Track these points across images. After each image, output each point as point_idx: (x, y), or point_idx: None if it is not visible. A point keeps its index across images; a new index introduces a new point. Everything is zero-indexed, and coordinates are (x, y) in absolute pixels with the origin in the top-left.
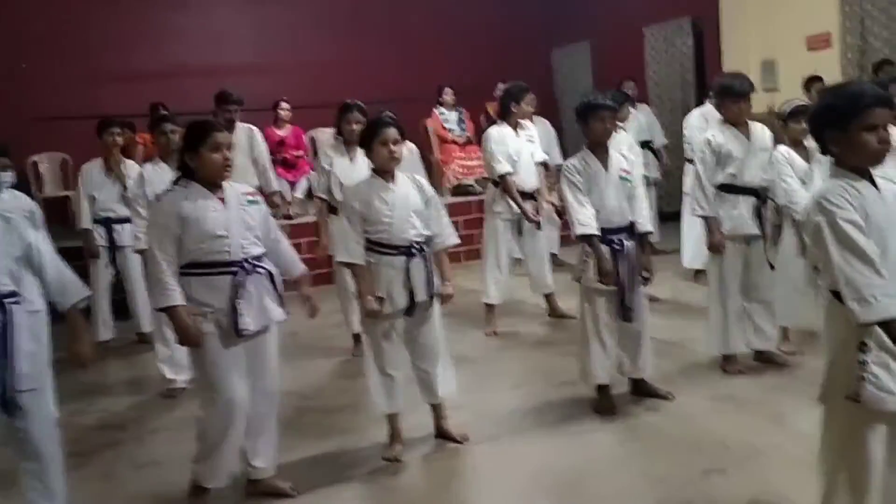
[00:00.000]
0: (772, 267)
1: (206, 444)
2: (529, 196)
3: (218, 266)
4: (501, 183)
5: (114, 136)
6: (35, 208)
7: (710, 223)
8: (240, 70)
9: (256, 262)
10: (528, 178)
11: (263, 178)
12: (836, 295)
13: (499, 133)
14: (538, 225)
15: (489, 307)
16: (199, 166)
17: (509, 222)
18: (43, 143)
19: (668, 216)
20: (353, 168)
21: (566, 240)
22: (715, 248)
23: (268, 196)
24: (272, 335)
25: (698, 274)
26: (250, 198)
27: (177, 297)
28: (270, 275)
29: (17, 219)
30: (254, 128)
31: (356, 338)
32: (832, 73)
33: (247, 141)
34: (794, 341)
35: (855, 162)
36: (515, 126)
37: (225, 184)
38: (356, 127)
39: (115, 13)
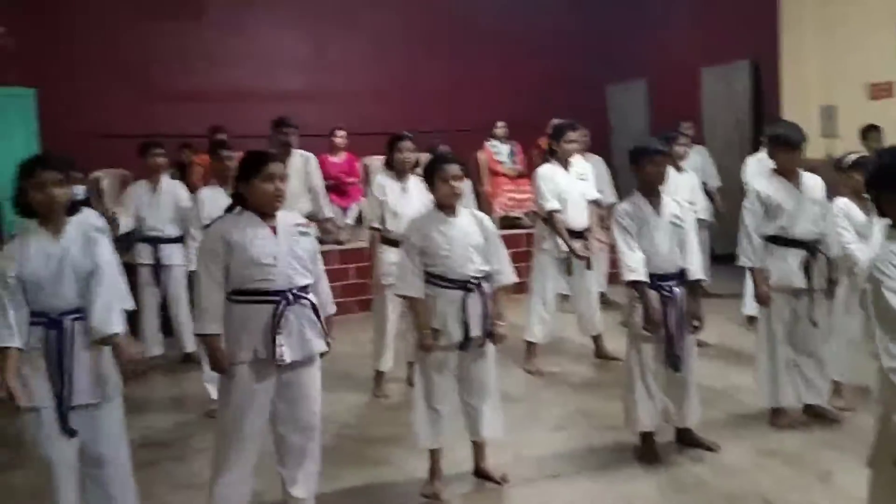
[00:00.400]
0: (814, 324)
1: (214, 470)
2: (579, 234)
3: (262, 294)
4: (550, 220)
5: (156, 157)
6: (103, 224)
7: (756, 274)
8: (296, 96)
9: (301, 293)
10: (578, 216)
11: (317, 204)
12: None
13: (549, 171)
14: (588, 263)
15: (530, 345)
16: (252, 195)
17: (557, 260)
18: (105, 160)
19: (722, 258)
20: (406, 197)
21: (614, 277)
22: (761, 300)
23: (321, 222)
24: (314, 367)
25: (752, 320)
26: (302, 228)
27: (215, 327)
28: (314, 306)
29: (95, 236)
30: (310, 155)
31: (379, 376)
32: (894, 123)
33: (303, 167)
34: (847, 397)
35: None
36: (566, 163)
37: (279, 213)
38: (408, 156)
39: (176, 35)
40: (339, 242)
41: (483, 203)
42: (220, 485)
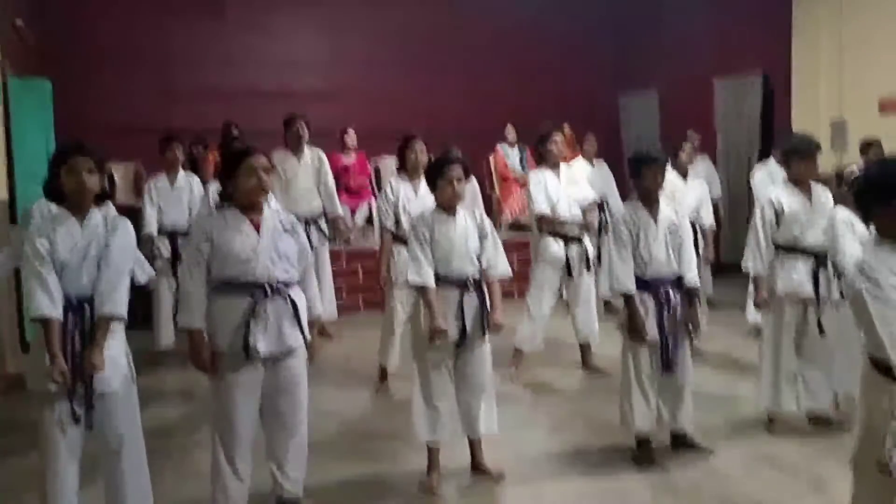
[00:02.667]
0: (821, 332)
1: (212, 464)
2: (572, 238)
3: (241, 286)
4: (540, 222)
5: (174, 151)
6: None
7: (759, 281)
8: (311, 95)
9: (281, 287)
10: (569, 219)
11: (329, 201)
12: (875, 364)
13: (538, 176)
14: (588, 264)
15: (518, 352)
16: (236, 190)
17: (555, 266)
18: (117, 153)
19: (729, 268)
20: (417, 198)
21: None
22: (759, 306)
23: (332, 220)
24: (295, 361)
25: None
26: (288, 226)
27: (197, 321)
28: (294, 302)
29: (117, 224)
30: (323, 153)
31: (383, 372)
32: None
33: (315, 163)
34: (845, 409)
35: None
36: (554, 168)
37: (267, 210)
38: (420, 156)
39: (192, 32)
40: (348, 242)
41: (493, 208)
42: (219, 475)
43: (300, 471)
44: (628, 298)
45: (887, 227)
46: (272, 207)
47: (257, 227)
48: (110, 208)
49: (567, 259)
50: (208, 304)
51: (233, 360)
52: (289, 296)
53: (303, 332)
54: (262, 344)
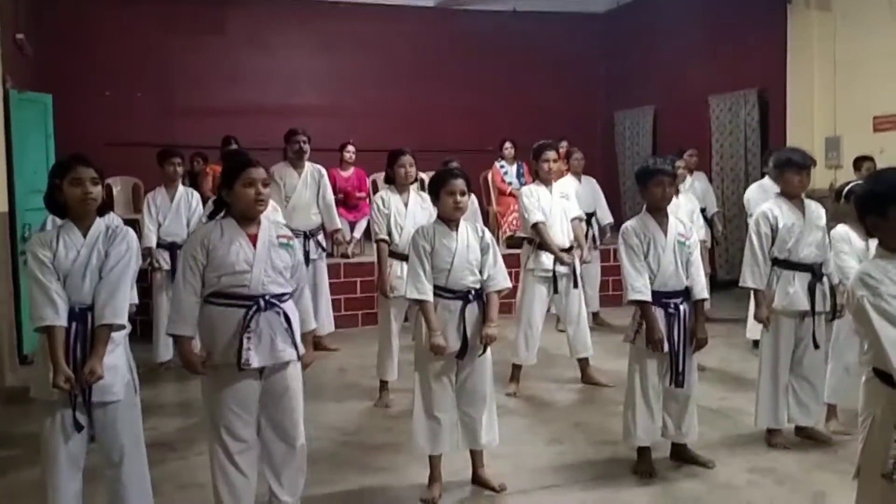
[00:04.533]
0: (816, 346)
1: (212, 477)
2: (562, 252)
3: (235, 298)
4: (535, 232)
5: (174, 165)
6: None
7: (758, 296)
8: (310, 111)
9: (275, 301)
10: (561, 236)
11: (328, 215)
12: (878, 372)
13: (531, 190)
14: (575, 282)
15: (515, 367)
16: (234, 201)
17: (543, 279)
18: (117, 168)
19: (725, 284)
20: (407, 212)
21: (607, 299)
22: (760, 321)
23: (331, 234)
24: (289, 374)
25: (758, 344)
26: (284, 241)
27: (187, 329)
28: (287, 316)
29: (118, 234)
30: (322, 168)
31: (383, 385)
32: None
33: (315, 178)
34: (843, 421)
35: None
36: (547, 183)
37: (264, 222)
38: (409, 170)
39: (194, 50)
40: (346, 256)
41: (491, 222)
42: (223, 472)
43: (297, 483)
44: (645, 307)
45: (886, 239)
46: (271, 220)
47: (253, 240)
48: (114, 218)
49: (554, 274)
50: (202, 313)
51: (227, 371)
52: (282, 310)
53: (296, 346)
54: (255, 357)
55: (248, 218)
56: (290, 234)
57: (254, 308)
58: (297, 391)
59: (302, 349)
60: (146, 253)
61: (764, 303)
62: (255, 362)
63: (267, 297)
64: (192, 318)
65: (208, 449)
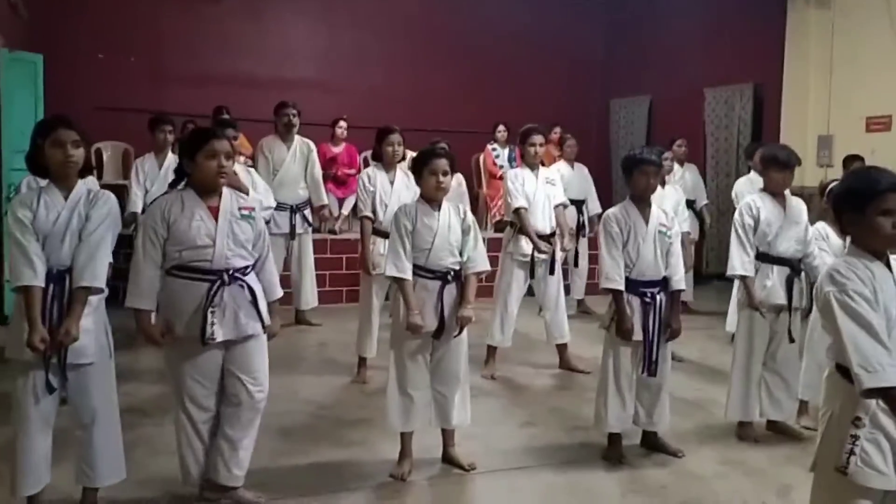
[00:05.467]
0: (791, 339)
1: (177, 445)
2: (545, 239)
3: (198, 272)
4: (516, 218)
5: (165, 132)
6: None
7: (748, 283)
8: (304, 85)
9: (238, 275)
10: (543, 221)
11: (315, 191)
12: (839, 367)
13: (517, 174)
14: (552, 268)
15: (491, 349)
16: (195, 173)
17: (522, 263)
18: (107, 133)
19: (711, 277)
20: (393, 190)
21: (594, 287)
22: (754, 307)
23: (317, 209)
24: (254, 346)
25: None
26: (245, 212)
27: (146, 302)
28: (251, 288)
29: (98, 197)
30: (311, 143)
31: (361, 361)
32: (889, 156)
33: (305, 153)
34: (814, 416)
35: (869, 244)
36: (533, 167)
37: (226, 193)
38: (397, 149)
39: (189, 17)
40: (333, 232)
41: (481, 205)
42: (183, 452)
43: (246, 458)
44: (617, 296)
45: (860, 236)
46: (247, 193)
47: (215, 213)
48: (92, 183)
49: (532, 259)
50: (164, 286)
51: (190, 344)
52: (246, 283)
53: (261, 319)
54: (220, 331)
55: (208, 190)
56: (251, 205)
57: (217, 283)
58: (263, 360)
59: (267, 320)
60: (131, 219)
61: (753, 289)
62: (220, 336)
63: (230, 272)
64: (152, 292)
65: (174, 418)
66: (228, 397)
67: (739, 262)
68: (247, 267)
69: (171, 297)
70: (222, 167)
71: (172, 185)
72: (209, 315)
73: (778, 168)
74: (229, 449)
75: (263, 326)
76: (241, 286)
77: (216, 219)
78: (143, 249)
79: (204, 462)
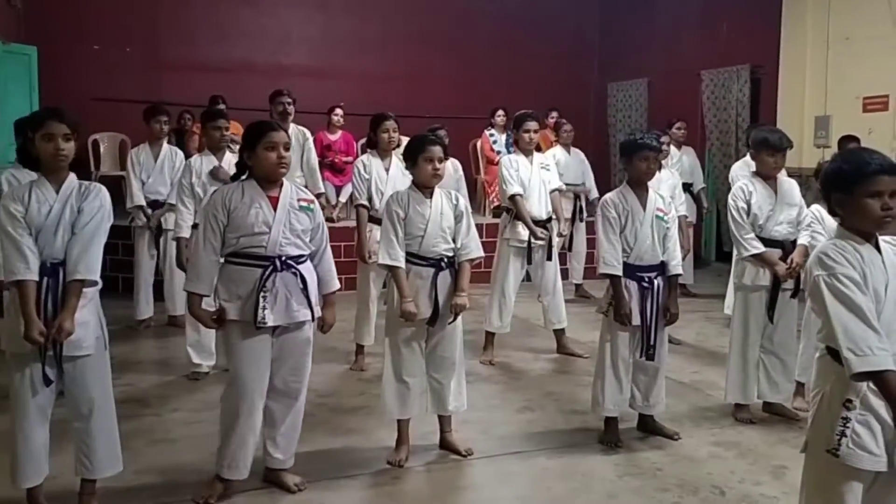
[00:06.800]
0: (770, 320)
1: (223, 433)
2: (541, 224)
3: (252, 258)
4: (512, 204)
5: (160, 123)
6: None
7: (766, 256)
8: (301, 72)
9: (292, 263)
10: (539, 206)
11: (311, 179)
12: (830, 350)
13: (511, 160)
14: (549, 254)
15: (489, 335)
16: (255, 164)
17: (518, 249)
18: (104, 124)
19: (709, 260)
20: (388, 177)
21: (593, 273)
22: (782, 275)
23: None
24: (302, 334)
25: None
26: (304, 203)
27: (203, 288)
28: (304, 277)
29: (91, 190)
30: (307, 131)
31: (359, 349)
32: (885, 136)
33: (301, 141)
34: (808, 398)
35: (857, 226)
36: (527, 153)
37: (286, 184)
38: (392, 136)
39: (184, 5)
40: (331, 220)
41: (479, 191)
42: (228, 436)
43: (293, 442)
44: (615, 281)
45: (848, 218)
46: (295, 184)
47: (274, 203)
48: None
49: (529, 245)
50: (221, 271)
51: (244, 328)
52: (299, 271)
53: (311, 307)
54: (271, 315)
55: (269, 181)
56: (311, 197)
57: (270, 268)
58: (308, 350)
59: (319, 311)
60: (134, 212)
61: (772, 259)
62: (271, 320)
63: (283, 259)
64: (210, 278)
65: (224, 399)
66: (271, 385)
67: (745, 243)
68: (301, 256)
69: (227, 283)
70: (282, 158)
71: (234, 178)
72: (261, 299)
73: (769, 151)
74: (269, 434)
75: (313, 315)
76: (294, 273)
77: (275, 208)
78: (204, 237)
79: (252, 445)
